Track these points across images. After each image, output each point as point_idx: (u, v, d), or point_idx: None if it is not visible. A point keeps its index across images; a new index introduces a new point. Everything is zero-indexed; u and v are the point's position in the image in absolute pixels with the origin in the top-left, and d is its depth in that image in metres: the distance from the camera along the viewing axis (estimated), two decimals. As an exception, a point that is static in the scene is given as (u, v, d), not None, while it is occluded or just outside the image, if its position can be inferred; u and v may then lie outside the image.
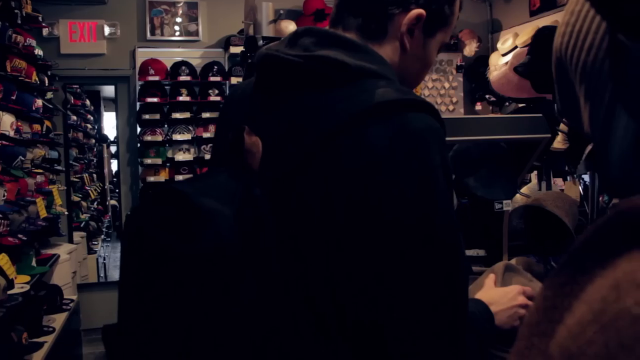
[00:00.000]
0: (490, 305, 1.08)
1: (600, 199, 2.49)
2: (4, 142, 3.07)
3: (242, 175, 0.81)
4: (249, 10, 2.55)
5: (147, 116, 4.84)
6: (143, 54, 4.99)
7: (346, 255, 0.79)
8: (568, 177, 2.91)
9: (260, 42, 2.48)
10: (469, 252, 2.24)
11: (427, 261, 0.77)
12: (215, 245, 0.73)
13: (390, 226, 0.77)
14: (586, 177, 2.70)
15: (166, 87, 4.95)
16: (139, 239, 0.79)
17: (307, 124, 0.83)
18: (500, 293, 1.16)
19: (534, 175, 3.17)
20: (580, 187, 2.76)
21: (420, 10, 0.92)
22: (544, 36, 2.45)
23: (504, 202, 2.10)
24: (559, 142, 2.41)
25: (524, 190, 2.74)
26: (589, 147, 2.28)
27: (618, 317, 0.39)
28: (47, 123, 4.27)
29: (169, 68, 4.92)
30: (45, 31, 4.77)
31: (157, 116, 4.88)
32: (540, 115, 2.09)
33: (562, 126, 2.51)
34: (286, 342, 0.79)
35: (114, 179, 7.75)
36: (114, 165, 7.70)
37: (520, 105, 4.38)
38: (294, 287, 0.80)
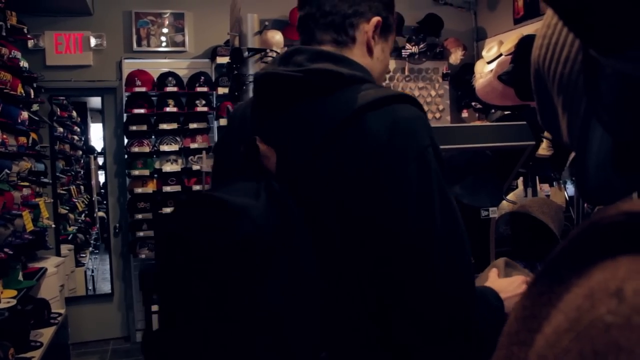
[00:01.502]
0: (499, 292, 1.16)
1: (586, 204, 2.51)
2: (-11, 155, 3.05)
3: (260, 177, 0.94)
4: (234, 22, 2.56)
5: (134, 127, 4.82)
6: (129, 65, 4.98)
7: (358, 232, 0.92)
8: (554, 183, 2.93)
9: (246, 54, 2.49)
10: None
11: (431, 219, 0.91)
12: (252, 233, 0.83)
13: (396, 197, 0.91)
14: (569, 184, 2.73)
15: (153, 98, 4.94)
16: (174, 242, 0.90)
17: (313, 123, 0.98)
18: (506, 282, 1.23)
19: (520, 182, 3.20)
20: (565, 193, 2.79)
21: (378, 18, 1.11)
22: (527, 44, 2.48)
23: (490, 209, 2.11)
24: (544, 149, 2.44)
25: (510, 197, 2.76)
26: (573, 154, 2.30)
27: (592, 325, 0.40)
28: (33, 135, 4.25)
29: (155, 79, 4.90)
30: (30, 43, 4.75)
31: (144, 127, 4.86)
32: (525, 122, 2.11)
33: (546, 133, 2.54)
34: (319, 323, 0.89)
35: (102, 191, 7.69)
36: (102, 176, 7.66)
37: (506, 112, 4.42)
38: (324, 270, 0.90)
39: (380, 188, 0.91)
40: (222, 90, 4.87)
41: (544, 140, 2.49)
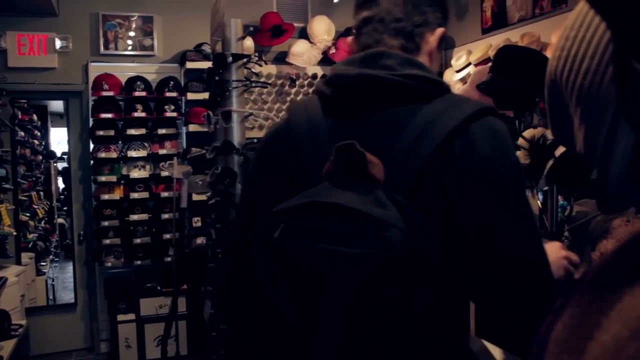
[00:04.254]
0: None
1: (561, 213, 2.56)
2: (-50, 159, 2.92)
3: (368, 185, 0.91)
4: (216, 27, 2.52)
5: (101, 132, 4.70)
6: (96, 68, 4.85)
7: (464, 236, 0.97)
8: (527, 192, 2.98)
9: (230, 59, 2.45)
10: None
11: (527, 221, 1.01)
12: (404, 244, 0.83)
13: (501, 204, 0.97)
14: (541, 193, 2.78)
15: (120, 103, 4.82)
16: (309, 257, 0.87)
17: (420, 131, 0.98)
18: (547, 248, 1.33)
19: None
20: (538, 201, 2.84)
21: (442, 29, 1.14)
22: (506, 54, 2.52)
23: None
24: (520, 158, 2.48)
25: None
26: (550, 163, 2.34)
27: None
28: (-6, 139, 4.11)
29: (123, 83, 4.79)
30: (-10, 43, 4.60)
31: (112, 132, 4.73)
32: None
33: (521, 142, 2.58)
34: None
35: (61, 197, 7.49)
36: (60, 182, 7.46)
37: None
38: (451, 278, 0.95)
39: (487, 196, 0.97)
40: (191, 96, 4.81)
41: (520, 149, 2.53)
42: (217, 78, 2.47)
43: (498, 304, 1.01)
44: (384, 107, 1.02)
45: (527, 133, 2.53)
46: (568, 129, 0.65)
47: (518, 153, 2.57)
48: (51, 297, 5.73)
